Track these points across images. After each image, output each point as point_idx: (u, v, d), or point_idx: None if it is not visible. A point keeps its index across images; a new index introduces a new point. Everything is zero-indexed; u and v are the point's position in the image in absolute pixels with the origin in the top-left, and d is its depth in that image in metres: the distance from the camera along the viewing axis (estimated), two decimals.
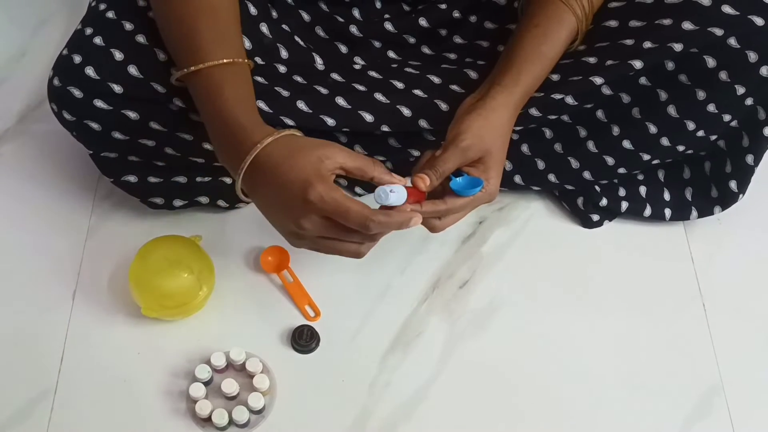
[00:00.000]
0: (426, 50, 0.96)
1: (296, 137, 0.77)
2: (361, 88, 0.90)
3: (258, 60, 0.88)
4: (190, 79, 0.79)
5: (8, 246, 0.96)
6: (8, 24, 1.16)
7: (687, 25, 0.81)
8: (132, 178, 0.92)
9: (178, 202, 0.96)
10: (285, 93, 0.88)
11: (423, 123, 0.89)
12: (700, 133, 0.90)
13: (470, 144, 0.79)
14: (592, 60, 0.85)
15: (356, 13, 0.95)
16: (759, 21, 0.80)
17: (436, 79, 0.90)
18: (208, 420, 0.83)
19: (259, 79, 0.87)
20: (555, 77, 0.86)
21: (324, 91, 0.89)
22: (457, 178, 0.79)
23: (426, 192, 0.77)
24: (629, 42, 0.83)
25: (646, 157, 0.93)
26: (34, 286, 0.93)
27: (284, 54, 0.90)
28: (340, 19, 0.94)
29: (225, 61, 0.78)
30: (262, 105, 0.87)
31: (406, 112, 0.89)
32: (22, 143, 1.04)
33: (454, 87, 0.90)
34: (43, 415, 0.85)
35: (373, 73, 0.92)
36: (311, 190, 0.71)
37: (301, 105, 0.88)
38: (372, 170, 0.75)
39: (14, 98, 1.08)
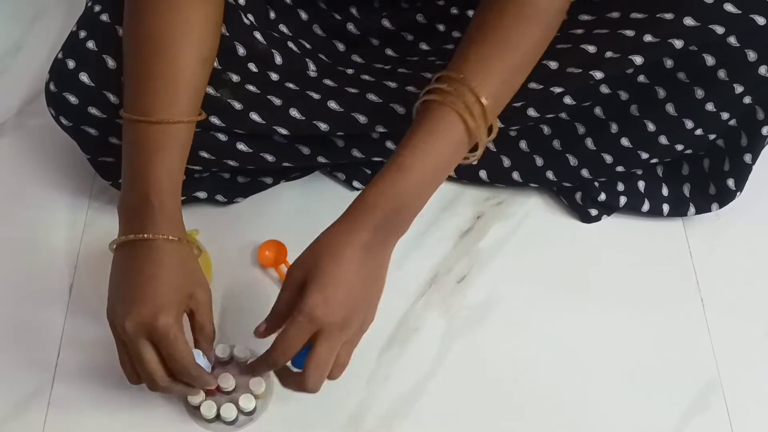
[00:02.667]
0: (424, 47, 0.96)
1: (194, 254, 0.78)
2: (353, 91, 0.90)
3: (252, 67, 0.88)
4: (130, 123, 0.78)
5: (4, 241, 0.96)
6: (4, 18, 1.16)
7: (688, 21, 0.81)
8: None
9: None
10: (277, 101, 0.88)
11: None
12: (699, 132, 0.90)
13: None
14: (591, 49, 0.84)
15: (354, 11, 0.94)
16: (761, 20, 0.80)
17: (429, 76, 0.90)
18: (198, 408, 0.83)
19: (252, 87, 0.87)
20: (553, 65, 0.85)
21: (316, 96, 0.89)
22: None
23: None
24: (630, 33, 0.83)
25: (644, 155, 0.93)
26: (30, 281, 0.93)
27: (278, 60, 0.90)
28: (338, 17, 0.94)
29: (171, 121, 0.77)
30: (255, 116, 0.87)
31: (399, 109, 0.88)
32: (19, 137, 1.04)
33: None
34: (40, 410, 0.85)
35: (366, 77, 0.91)
36: (164, 316, 0.72)
37: (294, 113, 0.88)
38: (204, 337, 0.78)
39: (10, 93, 1.08)
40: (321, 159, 0.93)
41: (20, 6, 1.16)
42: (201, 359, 0.76)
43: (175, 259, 0.75)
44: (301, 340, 0.71)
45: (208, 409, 0.82)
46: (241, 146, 0.90)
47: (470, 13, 0.95)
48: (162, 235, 0.75)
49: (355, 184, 1.00)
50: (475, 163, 0.77)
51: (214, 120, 0.86)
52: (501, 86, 0.75)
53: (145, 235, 0.75)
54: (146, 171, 0.76)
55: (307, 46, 0.94)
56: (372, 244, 0.71)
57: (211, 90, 0.85)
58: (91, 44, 0.84)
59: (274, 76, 0.89)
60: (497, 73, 0.74)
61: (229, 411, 0.82)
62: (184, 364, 0.73)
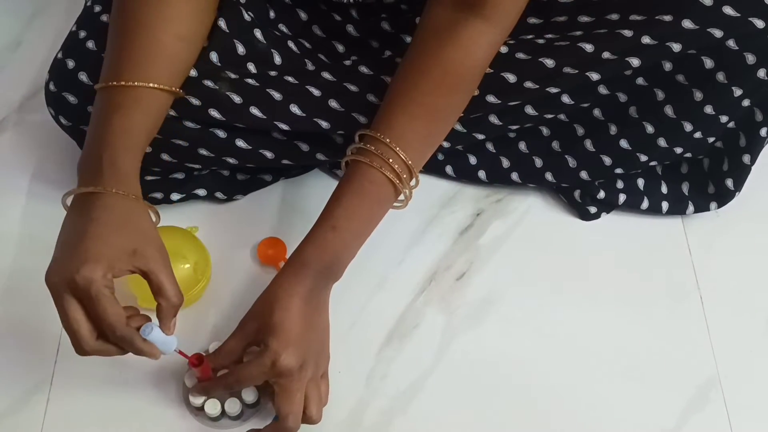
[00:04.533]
0: None
1: (146, 211, 0.76)
2: (353, 88, 0.89)
3: (251, 67, 0.88)
4: (98, 92, 0.79)
5: (4, 236, 0.96)
6: (3, 13, 1.16)
7: (687, 24, 0.81)
8: None
9: (175, 196, 0.96)
10: (277, 96, 0.87)
11: None
12: (698, 135, 0.90)
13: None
14: (588, 48, 0.84)
15: (354, 12, 0.94)
16: (760, 24, 0.80)
17: None
18: (201, 409, 0.83)
19: (251, 81, 0.87)
20: (550, 63, 0.84)
21: (317, 92, 0.89)
22: None
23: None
24: (628, 33, 0.83)
25: (643, 158, 0.93)
26: (29, 277, 0.92)
27: (278, 60, 0.89)
28: (338, 18, 0.94)
29: (130, 84, 0.77)
30: (255, 111, 0.86)
31: None
32: (18, 133, 1.04)
33: None
34: (39, 405, 0.85)
35: (364, 69, 0.91)
36: (86, 270, 0.68)
37: (294, 109, 0.88)
38: (166, 300, 0.73)
39: (10, 88, 1.08)
40: (320, 156, 0.93)
41: (20, 2, 1.16)
42: (156, 332, 0.72)
43: (117, 214, 0.73)
44: (257, 377, 0.76)
45: (213, 406, 0.82)
46: (240, 143, 0.90)
47: None
48: (108, 189, 0.73)
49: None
50: (404, 209, 0.83)
51: (214, 113, 0.86)
52: (425, 147, 0.82)
53: (92, 189, 0.73)
54: (101, 129, 0.76)
55: (307, 45, 0.94)
56: (312, 293, 0.77)
57: (209, 82, 0.85)
58: (90, 44, 0.85)
59: (273, 74, 0.89)
60: (421, 137, 0.81)
61: (233, 405, 0.83)
62: (110, 322, 0.69)
